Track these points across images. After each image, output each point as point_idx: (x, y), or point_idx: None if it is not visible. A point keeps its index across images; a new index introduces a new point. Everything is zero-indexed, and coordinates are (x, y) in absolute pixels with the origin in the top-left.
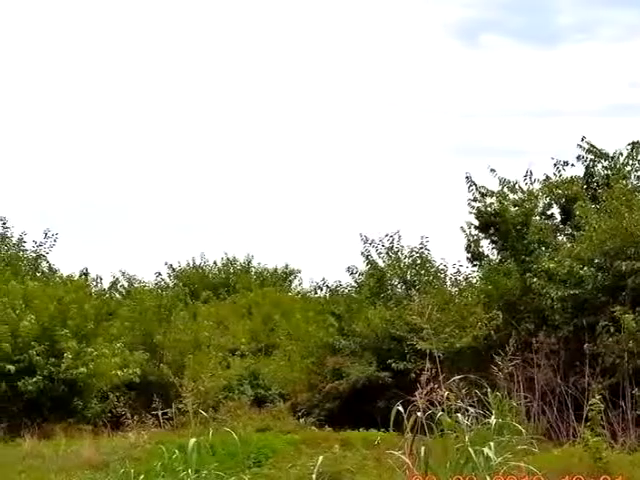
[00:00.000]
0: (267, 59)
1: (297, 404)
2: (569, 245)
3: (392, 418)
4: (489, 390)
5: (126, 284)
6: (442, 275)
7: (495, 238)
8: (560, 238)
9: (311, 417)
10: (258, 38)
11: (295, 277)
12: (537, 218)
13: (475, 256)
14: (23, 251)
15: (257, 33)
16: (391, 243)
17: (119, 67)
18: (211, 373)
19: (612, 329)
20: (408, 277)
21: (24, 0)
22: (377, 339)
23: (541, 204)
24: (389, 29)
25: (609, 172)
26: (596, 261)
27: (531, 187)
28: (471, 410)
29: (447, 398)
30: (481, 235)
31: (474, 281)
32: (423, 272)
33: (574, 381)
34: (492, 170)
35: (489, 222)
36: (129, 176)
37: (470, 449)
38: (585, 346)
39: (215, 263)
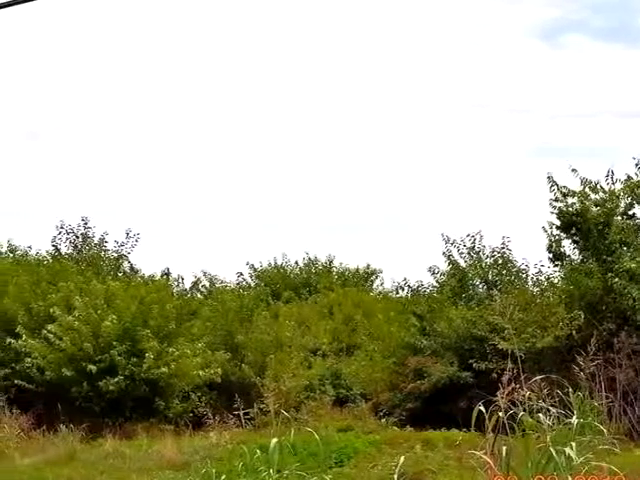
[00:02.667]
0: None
1: (379, 404)
2: None
3: (474, 418)
4: (570, 390)
5: (207, 284)
6: (524, 275)
7: (576, 238)
8: None
9: (392, 417)
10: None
11: (377, 277)
12: (619, 218)
13: (557, 256)
14: (105, 251)
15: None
16: (473, 243)
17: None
18: (292, 373)
19: None
20: (490, 277)
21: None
22: (459, 339)
23: (623, 204)
24: (474, 29)
25: None
26: None
27: (613, 187)
28: (553, 410)
29: (529, 398)
30: (562, 235)
31: (555, 281)
32: (505, 272)
33: None
34: (574, 170)
35: (571, 222)
36: (211, 176)
37: (552, 449)
38: None
39: (297, 263)
